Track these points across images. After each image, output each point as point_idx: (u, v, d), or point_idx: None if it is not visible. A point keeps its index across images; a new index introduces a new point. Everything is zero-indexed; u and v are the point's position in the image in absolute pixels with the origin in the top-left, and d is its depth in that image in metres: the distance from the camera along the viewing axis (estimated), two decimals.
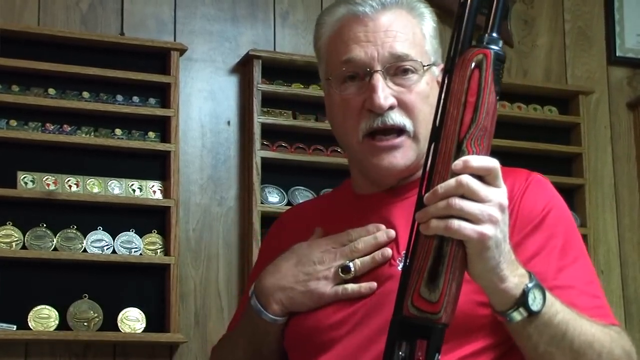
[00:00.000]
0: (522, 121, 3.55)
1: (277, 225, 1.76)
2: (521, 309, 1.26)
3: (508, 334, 1.35)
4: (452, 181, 1.16)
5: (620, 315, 3.58)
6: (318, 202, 1.88)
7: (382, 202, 1.54)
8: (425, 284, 1.17)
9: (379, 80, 1.47)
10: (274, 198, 3.19)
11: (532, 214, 1.46)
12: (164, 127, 3.09)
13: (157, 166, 3.08)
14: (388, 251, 1.47)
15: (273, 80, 3.25)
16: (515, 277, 1.25)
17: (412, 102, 1.48)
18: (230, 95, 3.25)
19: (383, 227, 1.50)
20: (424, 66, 1.48)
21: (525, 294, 1.25)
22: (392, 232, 1.49)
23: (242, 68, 3.26)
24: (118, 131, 3.04)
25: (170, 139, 3.05)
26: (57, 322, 2.87)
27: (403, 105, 1.48)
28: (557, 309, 1.31)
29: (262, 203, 3.13)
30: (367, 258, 1.49)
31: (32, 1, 3.08)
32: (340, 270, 1.49)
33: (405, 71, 1.48)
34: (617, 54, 3.78)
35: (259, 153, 3.13)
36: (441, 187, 1.16)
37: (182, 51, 3.12)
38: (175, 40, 3.20)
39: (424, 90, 1.49)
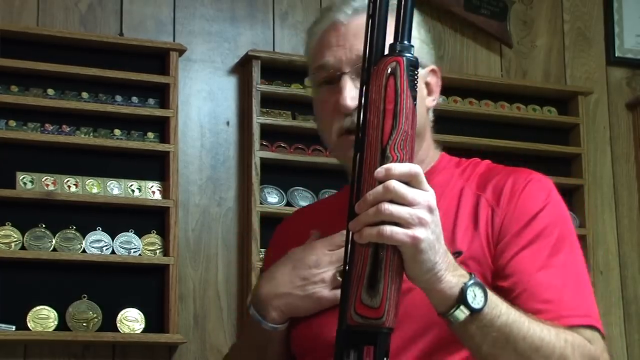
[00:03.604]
0: (521, 122, 3.55)
1: (281, 228, 1.77)
2: (462, 307, 1.28)
3: None
4: (379, 187, 1.18)
5: (619, 315, 3.59)
6: (319, 205, 1.89)
7: None
8: (366, 291, 1.18)
9: (347, 81, 1.51)
10: (273, 198, 3.19)
11: (527, 210, 1.48)
12: (163, 128, 3.09)
13: (156, 167, 3.07)
14: None
15: (272, 81, 3.25)
16: (454, 277, 1.27)
17: None
18: (229, 95, 3.25)
19: None
20: None
21: (463, 291, 1.27)
22: None
23: (241, 68, 3.26)
24: (117, 131, 3.04)
25: (169, 140, 3.05)
26: (56, 322, 2.87)
27: None
28: (501, 311, 1.32)
29: (261, 203, 3.12)
30: None
31: (31, 2, 3.08)
32: (338, 273, 1.50)
33: None
34: (616, 55, 3.78)
35: (258, 153, 3.13)
36: (370, 194, 1.18)
37: (181, 52, 3.12)
38: (174, 40, 3.20)
39: None
